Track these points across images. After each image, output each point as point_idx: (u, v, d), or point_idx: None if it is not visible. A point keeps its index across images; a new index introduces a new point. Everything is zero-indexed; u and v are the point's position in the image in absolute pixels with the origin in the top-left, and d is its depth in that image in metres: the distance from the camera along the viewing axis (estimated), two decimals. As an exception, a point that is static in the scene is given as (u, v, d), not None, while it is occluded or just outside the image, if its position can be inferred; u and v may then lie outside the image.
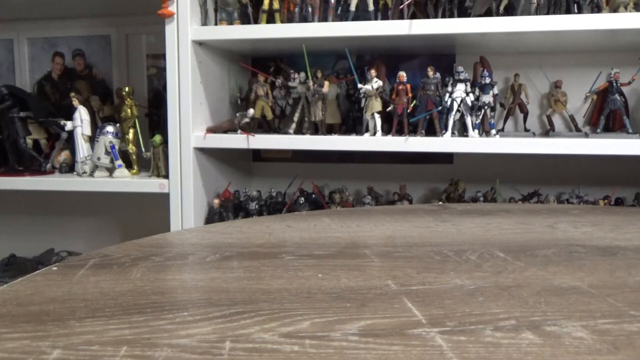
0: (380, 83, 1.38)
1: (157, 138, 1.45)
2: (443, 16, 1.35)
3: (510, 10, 1.32)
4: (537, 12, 1.30)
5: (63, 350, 0.35)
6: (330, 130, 1.47)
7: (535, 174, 1.63)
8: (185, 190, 1.42)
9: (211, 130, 1.45)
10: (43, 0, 1.65)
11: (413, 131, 1.39)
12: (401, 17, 1.34)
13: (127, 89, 1.52)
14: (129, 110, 1.52)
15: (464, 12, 1.36)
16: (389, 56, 1.64)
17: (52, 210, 1.95)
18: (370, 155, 1.67)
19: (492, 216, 0.84)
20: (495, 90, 1.36)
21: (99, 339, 0.37)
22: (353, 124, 1.58)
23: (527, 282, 0.50)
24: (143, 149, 1.50)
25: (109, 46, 1.86)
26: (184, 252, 0.61)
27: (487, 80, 1.35)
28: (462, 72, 1.34)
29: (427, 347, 0.36)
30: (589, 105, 1.56)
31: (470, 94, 1.34)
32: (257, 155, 1.82)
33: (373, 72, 1.39)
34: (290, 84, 1.48)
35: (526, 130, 1.57)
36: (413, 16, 1.37)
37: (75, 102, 1.54)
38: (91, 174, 1.52)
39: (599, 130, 1.42)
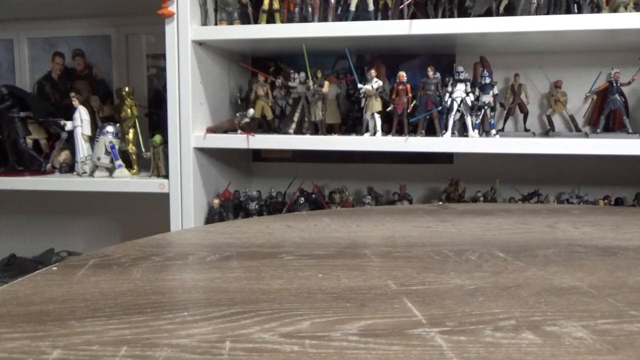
0: (380, 83, 1.38)
1: (157, 138, 1.44)
2: (443, 16, 1.35)
3: (510, 10, 1.32)
4: (537, 12, 1.30)
5: (63, 350, 0.35)
6: (330, 130, 1.47)
7: (535, 174, 1.63)
8: (185, 190, 1.42)
9: (211, 130, 1.45)
10: (43, 0, 1.65)
11: (413, 131, 1.39)
12: (401, 17, 1.34)
13: (127, 89, 1.52)
14: (129, 110, 1.52)
15: (464, 12, 1.36)
16: (389, 56, 1.64)
17: (52, 210, 1.95)
18: (370, 155, 1.67)
19: (492, 216, 0.84)
20: (495, 90, 1.36)
21: (99, 339, 0.37)
22: (353, 124, 1.58)
23: (527, 282, 0.50)
24: (143, 149, 1.50)
25: (109, 46, 1.85)
26: (184, 252, 0.61)
27: (487, 80, 1.35)
28: (462, 72, 1.34)
29: (427, 347, 0.36)
30: (589, 105, 1.56)
31: (470, 94, 1.34)
32: (257, 155, 1.82)
33: (373, 72, 1.39)
34: (290, 84, 1.48)
35: (526, 130, 1.57)
36: (413, 16, 1.37)
37: (75, 102, 1.54)
38: (91, 174, 1.52)
39: (599, 130, 1.42)
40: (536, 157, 1.59)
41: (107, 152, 1.48)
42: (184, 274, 0.53)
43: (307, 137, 1.40)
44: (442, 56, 1.63)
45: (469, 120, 1.34)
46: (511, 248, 0.63)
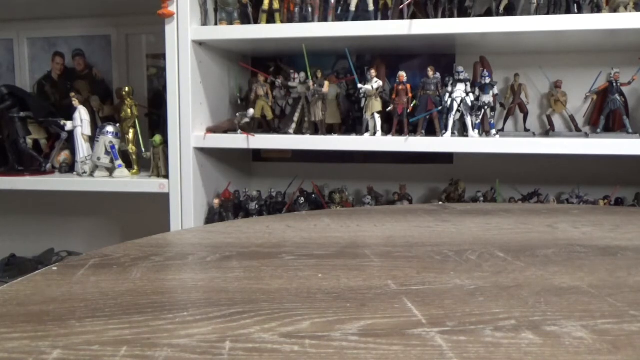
0: (380, 83, 1.38)
1: (157, 138, 1.45)
2: (443, 16, 1.35)
3: (510, 10, 1.32)
4: (537, 12, 1.30)
5: (63, 350, 0.35)
6: (330, 130, 1.47)
7: (535, 174, 1.63)
8: (185, 190, 1.42)
9: (211, 130, 1.45)
10: (43, 0, 1.65)
11: (413, 131, 1.39)
12: (401, 17, 1.34)
13: (127, 89, 1.52)
14: (129, 110, 1.52)
15: (464, 12, 1.36)
16: (389, 56, 1.64)
17: (52, 210, 1.95)
18: (370, 155, 1.67)
19: (492, 216, 0.84)
20: (495, 90, 1.36)
21: (99, 339, 0.37)
22: (353, 124, 1.58)
23: (527, 282, 0.50)
24: (143, 149, 1.50)
25: (109, 46, 1.85)
26: (184, 252, 0.61)
27: (487, 80, 1.35)
28: (462, 72, 1.34)
29: (427, 347, 0.36)
30: (589, 105, 1.56)
31: (470, 94, 1.34)
32: (257, 155, 1.82)
33: (373, 72, 1.39)
34: (290, 84, 1.48)
35: (526, 130, 1.57)
36: (413, 16, 1.37)
37: (75, 102, 1.54)
38: (91, 174, 1.52)
39: (599, 130, 1.42)
40: (536, 157, 1.59)
41: (107, 152, 1.48)
42: (184, 274, 0.53)
43: (307, 137, 1.40)
44: (442, 56, 1.63)
45: (469, 120, 1.34)
46: (511, 248, 0.63)
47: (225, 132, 1.46)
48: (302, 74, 1.45)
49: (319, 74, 1.41)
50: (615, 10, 1.25)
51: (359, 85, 1.39)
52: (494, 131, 1.37)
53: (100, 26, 1.84)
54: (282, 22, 1.40)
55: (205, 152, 1.48)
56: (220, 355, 0.34)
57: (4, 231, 1.98)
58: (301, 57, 1.42)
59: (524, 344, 0.36)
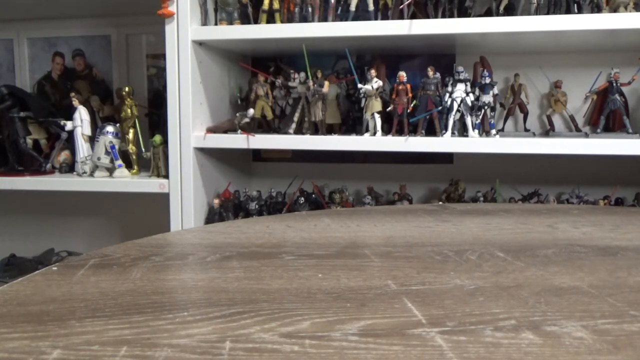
0: (380, 83, 1.38)
1: (157, 138, 1.45)
2: (443, 16, 1.35)
3: (510, 10, 1.32)
4: (537, 12, 1.30)
5: (63, 350, 0.35)
6: (330, 130, 1.47)
7: (535, 174, 1.63)
8: (185, 190, 1.42)
9: (211, 130, 1.45)
10: (43, 0, 1.65)
11: (413, 131, 1.39)
12: (401, 17, 1.34)
13: (127, 89, 1.52)
14: (129, 110, 1.52)
15: (464, 12, 1.36)
16: (389, 56, 1.64)
17: (52, 210, 1.95)
18: (370, 155, 1.67)
19: (492, 216, 0.84)
20: (495, 90, 1.36)
21: (99, 339, 0.37)
22: (353, 124, 1.58)
23: (527, 282, 0.50)
24: (143, 149, 1.50)
25: (109, 46, 1.85)
26: (184, 252, 0.61)
27: (487, 80, 1.35)
28: (462, 72, 1.34)
29: (427, 347, 0.36)
30: (589, 105, 1.56)
31: (470, 94, 1.34)
32: (257, 155, 1.82)
33: (373, 72, 1.39)
34: (290, 84, 1.48)
35: (526, 130, 1.57)
36: (413, 16, 1.37)
37: (75, 102, 1.54)
38: (91, 174, 1.52)
39: (599, 130, 1.42)
40: (536, 157, 1.59)
41: (107, 152, 1.48)
42: (184, 274, 0.53)
43: (307, 137, 1.40)
44: (442, 56, 1.63)
45: (469, 120, 1.34)
46: (511, 248, 0.63)
47: (225, 132, 1.46)
48: (302, 74, 1.45)
49: (319, 74, 1.41)
50: (615, 10, 1.25)
51: (359, 85, 1.39)
52: (494, 131, 1.37)
53: (100, 26, 1.84)
54: (282, 22, 1.40)
55: (205, 152, 1.48)
56: (220, 355, 0.34)
57: (4, 231, 1.98)
58: (301, 57, 1.42)
59: (524, 344, 0.36)
